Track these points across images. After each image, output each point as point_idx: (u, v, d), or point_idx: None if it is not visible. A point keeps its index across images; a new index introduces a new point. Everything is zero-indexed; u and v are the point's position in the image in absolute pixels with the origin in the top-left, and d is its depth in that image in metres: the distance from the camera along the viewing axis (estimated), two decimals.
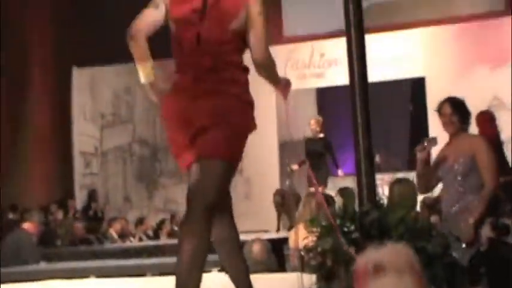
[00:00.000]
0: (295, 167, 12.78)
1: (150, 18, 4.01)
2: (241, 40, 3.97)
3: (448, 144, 6.17)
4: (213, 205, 3.78)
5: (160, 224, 14.31)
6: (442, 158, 6.13)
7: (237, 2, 3.92)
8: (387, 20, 14.77)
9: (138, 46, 3.96)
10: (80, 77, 16.18)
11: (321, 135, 13.09)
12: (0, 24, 17.22)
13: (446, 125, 6.13)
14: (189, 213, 3.76)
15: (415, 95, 15.54)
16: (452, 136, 6.12)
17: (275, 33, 17.23)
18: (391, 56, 13.79)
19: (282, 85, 4.47)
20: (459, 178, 5.97)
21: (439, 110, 6.17)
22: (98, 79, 16.26)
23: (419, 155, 6.16)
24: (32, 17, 17.31)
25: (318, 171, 12.47)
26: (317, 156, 12.75)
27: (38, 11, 17.30)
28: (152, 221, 14.80)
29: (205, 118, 3.84)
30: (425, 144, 6.13)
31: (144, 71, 3.97)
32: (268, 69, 4.17)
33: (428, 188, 6.46)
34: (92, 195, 15.60)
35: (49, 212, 14.17)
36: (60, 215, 14.44)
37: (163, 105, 4.02)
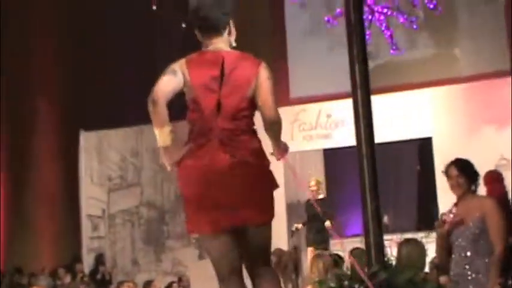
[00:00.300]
0: (299, 226, 12.78)
1: (170, 85, 4.17)
2: (253, 106, 4.25)
3: (456, 206, 6.16)
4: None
5: (169, 287, 14.20)
6: (453, 223, 6.11)
7: (250, 71, 4.22)
8: (394, 80, 14.86)
9: (159, 112, 4.12)
10: (87, 140, 16.24)
11: (321, 195, 12.99)
12: (9, 88, 17.39)
13: (453, 187, 6.12)
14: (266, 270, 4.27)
15: (422, 155, 15.54)
16: (460, 198, 6.11)
17: (282, 95, 17.33)
18: (398, 116, 13.83)
19: (282, 148, 4.56)
20: (469, 240, 5.95)
21: (446, 172, 6.16)
22: (105, 142, 16.33)
23: (440, 231, 6.16)
24: (40, 82, 17.47)
25: (319, 233, 12.44)
26: (318, 217, 12.54)
27: (45, 75, 17.46)
28: (160, 284, 14.69)
29: (240, 187, 4.11)
30: (444, 219, 6.13)
31: (162, 136, 4.16)
32: (277, 127, 4.34)
33: (448, 257, 6.42)
34: (99, 259, 15.51)
35: (57, 277, 14.02)
36: (68, 279, 14.34)
37: (183, 172, 4.19)
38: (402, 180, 16.55)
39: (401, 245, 6.89)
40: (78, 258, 15.61)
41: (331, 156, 14.84)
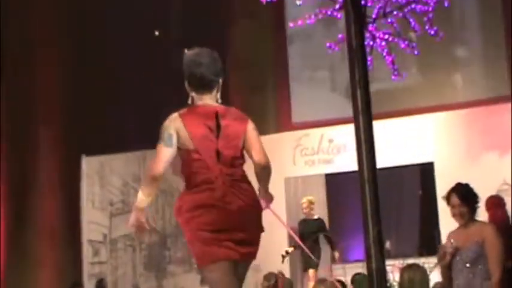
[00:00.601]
0: (290, 249, 12.59)
1: (167, 158, 4.63)
2: (244, 156, 4.76)
3: (458, 229, 6.20)
4: None
5: None
6: (453, 252, 6.13)
7: (240, 125, 4.74)
8: (395, 105, 14.90)
9: (155, 187, 4.67)
10: (89, 165, 16.19)
11: (316, 216, 12.95)
12: (9, 115, 17.41)
13: (456, 216, 6.16)
14: None
15: (424, 180, 15.54)
16: (464, 223, 6.15)
17: (284, 120, 17.36)
18: (400, 141, 13.83)
19: (269, 195, 5.00)
20: (468, 265, 6.02)
21: (447, 199, 6.19)
22: (107, 167, 16.32)
23: (443, 263, 6.19)
24: (40, 107, 17.50)
25: (312, 254, 12.07)
26: (311, 237, 12.51)
27: (46, 101, 17.50)
28: None
29: (247, 227, 4.60)
30: (443, 251, 6.17)
31: (144, 201, 4.71)
32: (268, 172, 4.89)
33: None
34: (100, 284, 15.44)
35: None
36: None
37: (197, 218, 4.55)
38: (404, 205, 16.54)
39: (403, 270, 6.91)
40: (78, 284, 15.51)
41: (333, 181, 14.83)
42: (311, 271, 12.43)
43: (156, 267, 15.78)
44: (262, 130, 15.40)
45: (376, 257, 4.63)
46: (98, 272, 15.98)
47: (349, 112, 5.32)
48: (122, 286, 15.91)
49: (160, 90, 18.18)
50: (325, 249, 13.14)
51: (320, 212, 14.45)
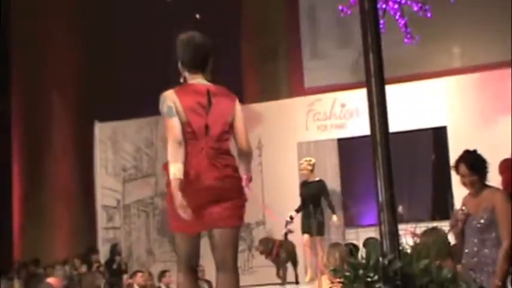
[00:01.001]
0: (293, 214, 12.48)
1: (178, 125, 5.05)
2: (231, 131, 5.21)
3: (470, 196, 6.19)
4: None
5: None
6: (465, 219, 6.14)
7: (229, 103, 5.22)
8: (408, 69, 14.83)
9: (181, 151, 4.99)
10: (102, 132, 16.30)
11: (317, 178, 12.75)
12: (22, 82, 17.46)
13: (466, 185, 6.18)
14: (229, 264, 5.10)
15: (437, 144, 15.50)
16: (474, 189, 6.15)
17: (296, 85, 17.35)
18: (412, 105, 13.78)
19: (249, 177, 5.33)
20: (478, 231, 6.04)
21: (456, 168, 6.18)
22: (119, 133, 16.36)
23: (455, 230, 6.19)
24: (53, 74, 17.55)
25: (314, 219, 12.08)
26: (312, 200, 12.32)
27: (59, 68, 17.54)
28: (175, 274, 14.70)
29: (225, 193, 5.03)
30: (456, 218, 6.17)
31: (176, 169, 4.95)
32: (248, 158, 5.29)
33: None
34: (114, 249, 15.54)
35: (73, 267, 14.01)
36: (84, 269, 14.48)
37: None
38: (417, 170, 16.53)
39: (422, 234, 6.87)
40: (93, 249, 15.63)
41: (346, 145, 14.81)
42: (305, 236, 12.26)
43: (169, 232, 15.83)
44: (274, 95, 15.53)
45: (389, 221, 4.62)
46: (112, 237, 16.10)
47: (361, 76, 5.28)
48: (136, 251, 16.00)
49: (173, 56, 18.20)
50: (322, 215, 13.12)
51: (333, 176, 14.49)
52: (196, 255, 5.24)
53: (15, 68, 18.05)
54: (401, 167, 14.66)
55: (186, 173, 4.96)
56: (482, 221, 6.01)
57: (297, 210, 12.51)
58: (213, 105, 5.13)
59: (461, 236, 6.21)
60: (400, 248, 4.61)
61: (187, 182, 4.95)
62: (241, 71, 18.04)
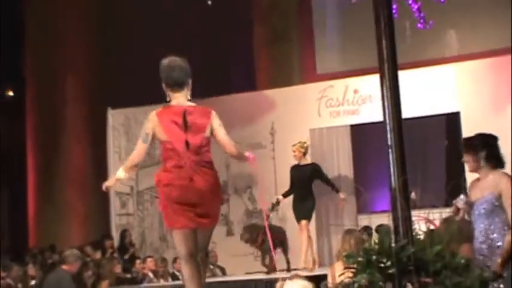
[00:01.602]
0: (280, 197, 11.90)
1: (143, 151, 6.21)
2: (209, 143, 6.17)
3: (476, 180, 6.19)
4: None
5: None
6: (466, 203, 6.14)
7: (205, 119, 6.15)
8: (421, 55, 14.78)
9: (134, 170, 6.42)
10: (114, 118, 16.27)
11: (308, 161, 12.11)
12: (36, 68, 17.50)
13: (471, 172, 6.17)
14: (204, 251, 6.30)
15: (450, 130, 15.46)
16: (479, 175, 6.13)
17: (308, 71, 17.33)
18: (426, 91, 13.71)
19: (247, 155, 6.54)
20: (483, 216, 6.00)
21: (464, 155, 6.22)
22: (132, 120, 16.37)
23: (458, 217, 6.18)
24: (67, 61, 17.59)
25: (304, 203, 11.62)
26: (303, 184, 11.75)
27: (72, 55, 17.58)
28: None
29: (209, 199, 6.06)
30: (456, 206, 6.17)
31: (121, 176, 6.38)
32: (238, 155, 6.47)
33: None
34: (124, 234, 15.54)
35: (85, 254, 14.05)
36: (98, 255, 14.56)
37: (167, 189, 6.07)
38: (430, 156, 16.50)
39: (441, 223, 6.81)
40: (107, 235, 15.73)
41: (358, 132, 14.78)
42: (303, 222, 11.63)
43: None
44: (286, 81, 15.48)
45: (402, 207, 4.62)
46: (125, 223, 16.14)
47: (374, 62, 5.26)
48: (149, 237, 16.05)
49: (187, 43, 18.21)
50: (348, 199, 12.97)
51: (345, 163, 14.48)
52: (195, 246, 6.13)
53: (29, 54, 18.11)
54: (414, 153, 14.66)
55: (173, 183, 6.03)
56: (487, 206, 5.97)
57: (284, 195, 11.94)
58: (189, 124, 6.07)
59: (467, 222, 6.19)
60: (414, 233, 4.61)
61: (176, 191, 6.01)
62: (254, 57, 18.04)
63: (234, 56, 19.37)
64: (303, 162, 11.97)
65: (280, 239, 11.50)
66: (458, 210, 6.18)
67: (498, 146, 6.14)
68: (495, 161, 6.08)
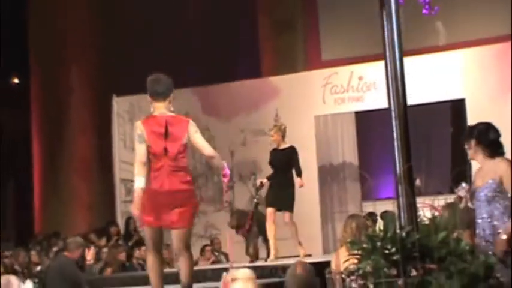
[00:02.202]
0: (264, 180, 11.55)
1: (144, 150, 6.83)
2: (186, 150, 6.97)
3: (479, 168, 6.21)
4: None
5: (202, 250, 14.25)
6: (467, 191, 6.16)
7: (183, 128, 6.94)
8: (425, 41, 14.72)
9: (145, 169, 6.83)
10: (119, 106, 16.20)
11: (286, 145, 11.56)
12: (41, 56, 17.51)
13: (469, 157, 6.21)
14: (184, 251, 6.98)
15: (455, 117, 15.41)
16: (479, 162, 6.17)
17: (313, 58, 17.29)
18: (430, 77, 13.64)
19: (225, 169, 7.14)
20: (485, 203, 5.98)
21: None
22: (136, 107, 16.32)
23: (461, 205, 6.20)
24: (72, 49, 17.59)
25: (284, 191, 11.22)
26: (281, 169, 11.37)
27: (77, 42, 17.58)
28: (194, 247, 14.73)
29: (178, 202, 6.78)
30: (459, 195, 6.19)
31: (139, 181, 6.80)
32: (215, 159, 7.13)
33: None
34: (129, 221, 15.36)
35: (89, 241, 14.09)
36: (103, 242, 14.61)
37: (146, 190, 6.80)
38: (435, 143, 16.46)
39: (443, 208, 6.83)
40: (112, 222, 15.70)
41: (363, 119, 14.74)
42: (269, 209, 11.20)
43: None
44: (292, 68, 15.41)
45: (407, 193, 4.62)
46: (130, 210, 16.12)
47: (379, 49, 5.24)
48: None
49: (191, 32, 18.20)
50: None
51: (350, 149, 14.46)
52: (160, 241, 7.07)
53: (33, 42, 18.11)
54: (419, 139, 14.62)
55: (150, 184, 6.84)
56: (488, 192, 5.95)
57: (268, 178, 11.53)
58: (169, 132, 6.86)
59: (469, 210, 6.21)
60: (418, 220, 4.61)
61: (152, 191, 6.81)
62: (258, 44, 17.99)
63: (241, 44, 19.32)
64: (282, 146, 11.53)
65: (263, 226, 11.32)
66: (461, 198, 6.20)
67: (496, 134, 6.14)
68: (492, 148, 6.08)
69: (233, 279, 5.73)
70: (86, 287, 10.43)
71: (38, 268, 12.51)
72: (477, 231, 6.04)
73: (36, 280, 11.31)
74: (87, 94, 17.78)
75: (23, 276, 11.59)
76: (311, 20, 17.61)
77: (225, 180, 7.21)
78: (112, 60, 17.64)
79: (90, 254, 12.01)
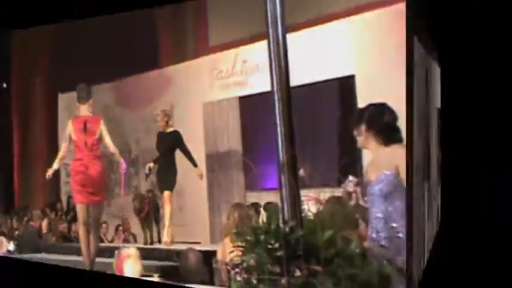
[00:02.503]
0: (151, 165, 11.99)
1: (66, 148, 10.06)
2: (100, 143, 9.84)
3: (373, 160, 5.42)
4: None
5: (116, 230, 14.77)
6: (357, 186, 5.55)
7: (96, 125, 9.97)
8: (307, 14, 14.05)
9: (62, 162, 10.14)
10: (62, 102, 17.35)
11: (171, 128, 12.25)
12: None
13: (359, 145, 5.55)
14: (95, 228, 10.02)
15: (344, 97, 14.35)
16: (371, 151, 5.43)
17: (202, 45, 17.06)
18: (313, 54, 12.54)
19: (122, 162, 10.38)
20: (380, 200, 5.13)
21: None
22: (73, 103, 16.37)
23: (351, 202, 5.71)
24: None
25: (167, 172, 11.80)
26: (167, 153, 11.92)
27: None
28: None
29: (93, 182, 9.74)
30: (347, 190, 5.72)
31: (55, 164, 10.27)
32: (114, 155, 10.10)
33: None
34: (70, 201, 16.52)
35: (45, 214, 16.69)
36: (53, 216, 16.77)
37: (72, 173, 10.03)
38: (322, 128, 16.06)
39: (326, 202, 6.13)
40: (58, 199, 17.71)
41: (247, 104, 14.27)
42: (166, 193, 11.76)
43: None
44: (184, 57, 15.43)
45: (290, 184, 4.23)
46: (68, 190, 16.12)
47: (263, 28, 4.82)
48: None
49: (136, 23, 18.03)
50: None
51: (234, 137, 14.15)
52: (86, 216, 9.71)
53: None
54: (305, 125, 14.11)
55: (75, 170, 9.88)
56: (384, 187, 5.08)
57: (155, 161, 12.04)
58: (88, 129, 9.71)
59: (362, 207, 5.54)
60: (303, 215, 4.22)
61: (76, 174, 9.80)
62: (155, 36, 18.09)
63: (136, 36, 19.45)
64: (167, 130, 12.18)
65: (156, 210, 12.36)
66: (350, 194, 5.63)
67: (391, 116, 5.44)
68: (386, 134, 5.34)
69: (128, 256, 7.30)
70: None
71: (16, 233, 15.82)
72: (369, 232, 4.99)
73: (16, 242, 14.77)
74: (46, 90, 18.98)
75: (9, 238, 15.08)
76: (201, 7, 17.46)
77: (122, 172, 10.32)
78: (63, 55, 17.93)
79: (44, 225, 15.45)
